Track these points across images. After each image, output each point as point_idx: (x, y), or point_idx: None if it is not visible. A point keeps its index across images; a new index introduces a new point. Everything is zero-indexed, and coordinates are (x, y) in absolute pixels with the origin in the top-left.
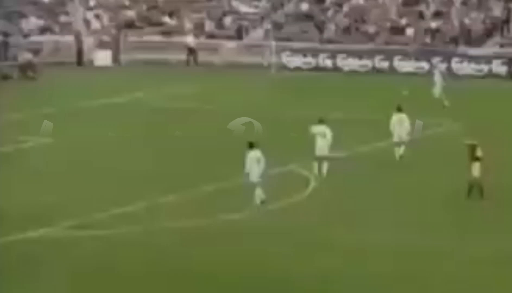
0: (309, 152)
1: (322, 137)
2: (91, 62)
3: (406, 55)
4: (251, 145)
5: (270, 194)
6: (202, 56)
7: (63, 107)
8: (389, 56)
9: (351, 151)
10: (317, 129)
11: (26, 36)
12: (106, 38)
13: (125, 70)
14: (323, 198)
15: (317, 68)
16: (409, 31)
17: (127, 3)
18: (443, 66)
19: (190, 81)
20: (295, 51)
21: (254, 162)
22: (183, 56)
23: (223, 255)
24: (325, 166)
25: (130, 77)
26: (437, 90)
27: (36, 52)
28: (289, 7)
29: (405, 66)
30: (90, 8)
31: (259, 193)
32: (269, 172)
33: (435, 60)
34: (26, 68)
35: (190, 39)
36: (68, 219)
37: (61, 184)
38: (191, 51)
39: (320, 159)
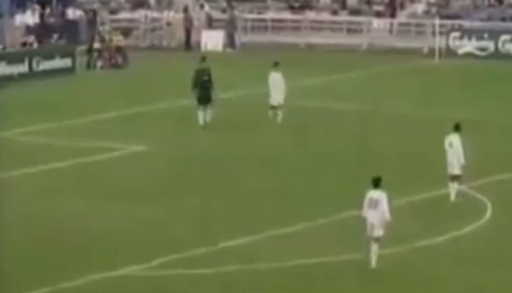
0: None
1: None
2: (197, 45)
3: None
4: (376, 183)
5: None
6: (341, 38)
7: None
8: None
9: None
10: None
11: (113, 12)
12: (216, 14)
13: (241, 57)
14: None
15: (495, 55)
16: None
17: None
18: None
19: (319, 71)
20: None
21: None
22: (316, 39)
23: None
24: None
25: (249, 68)
26: None
27: (126, 32)
28: None
29: None
30: None
31: None
32: None
33: None
34: (112, 54)
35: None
36: None
37: None
38: None
39: None
